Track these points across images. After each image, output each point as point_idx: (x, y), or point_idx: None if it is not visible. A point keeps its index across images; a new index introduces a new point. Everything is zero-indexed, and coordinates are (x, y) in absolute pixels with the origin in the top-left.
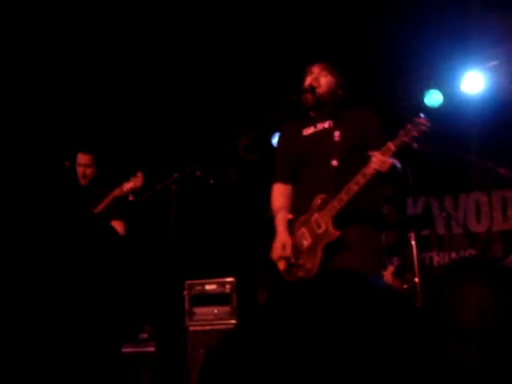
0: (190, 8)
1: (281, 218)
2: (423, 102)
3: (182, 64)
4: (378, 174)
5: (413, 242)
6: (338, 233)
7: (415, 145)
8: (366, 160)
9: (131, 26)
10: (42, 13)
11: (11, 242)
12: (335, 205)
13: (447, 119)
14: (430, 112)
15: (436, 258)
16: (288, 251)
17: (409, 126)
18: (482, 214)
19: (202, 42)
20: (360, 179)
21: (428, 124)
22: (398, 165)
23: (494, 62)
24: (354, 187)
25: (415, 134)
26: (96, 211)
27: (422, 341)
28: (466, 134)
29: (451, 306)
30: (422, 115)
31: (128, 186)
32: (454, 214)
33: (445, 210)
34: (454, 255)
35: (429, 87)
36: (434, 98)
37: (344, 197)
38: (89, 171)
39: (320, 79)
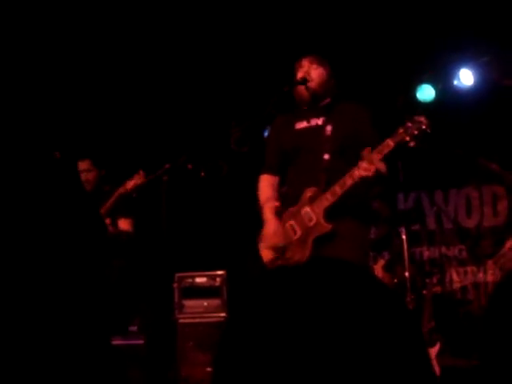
0: (185, 4)
1: (269, 207)
2: (416, 97)
3: (173, 57)
4: (364, 179)
5: (403, 237)
6: (330, 225)
7: (412, 143)
8: (358, 154)
9: (122, 24)
10: (38, 13)
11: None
12: (328, 198)
13: (439, 114)
14: (423, 107)
15: (426, 253)
16: (281, 239)
17: (409, 124)
18: (472, 209)
19: (194, 35)
20: (356, 173)
21: (428, 123)
22: (384, 169)
23: (486, 58)
24: (349, 181)
25: (415, 132)
26: (103, 210)
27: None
28: (458, 130)
29: None
30: (421, 113)
31: (131, 183)
32: (445, 208)
33: (435, 204)
34: (444, 250)
35: (421, 82)
36: (426, 92)
37: (338, 190)
38: (90, 176)
39: (311, 73)
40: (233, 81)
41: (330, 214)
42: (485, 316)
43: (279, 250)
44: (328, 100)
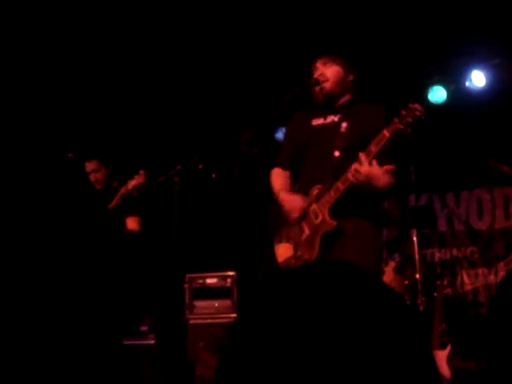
0: (192, 3)
1: (286, 193)
2: (427, 99)
3: (184, 58)
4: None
5: (414, 239)
6: (335, 222)
7: (409, 130)
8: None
9: (129, 23)
10: (43, 14)
11: (10, 238)
12: (332, 194)
13: (451, 116)
14: (434, 108)
15: (437, 255)
16: (299, 205)
17: (403, 112)
18: (484, 211)
19: (205, 37)
20: (348, 176)
21: (422, 110)
22: (388, 179)
23: (498, 59)
24: (350, 177)
25: (409, 119)
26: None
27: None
28: (469, 131)
29: None
30: (415, 101)
31: (132, 183)
32: (456, 210)
33: (447, 206)
34: (455, 252)
35: (433, 83)
36: (437, 94)
37: (340, 186)
38: (99, 175)
39: (325, 73)
40: (244, 83)
41: (335, 210)
42: (487, 315)
43: (295, 244)
44: (347, 97)
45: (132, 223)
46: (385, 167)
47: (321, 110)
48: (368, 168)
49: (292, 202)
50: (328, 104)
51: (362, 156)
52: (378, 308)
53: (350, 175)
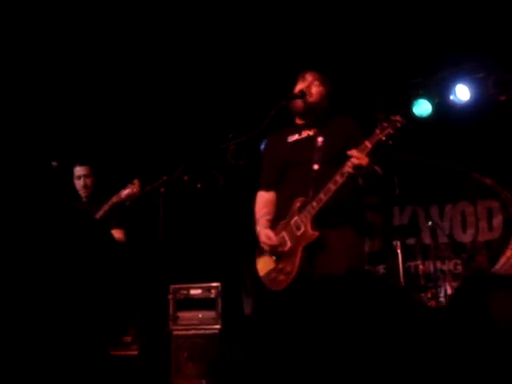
0: (180, 14)
1: (262, 222)
2: (412, 112)
3: (172, 70)
4: (357, 173)
5: (398, 251)
6: (316, 233)
7: (390, 142)
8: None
9: (125, 31)
10: (39, 17)
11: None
12: (314, 205)
13: (435, 129)
14: (419, 121)
15: (421, 267)
16: (274, 240)
17: (385, 124)
18: (467, 223)
19: (192, 49)
20: (338, 178)
21: (403, 121)
22: (378, 168)
23: (482, 73)
24: (332, 187)
25: (390, 131)
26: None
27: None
28: (454, 144)
29: (504, 317)
30: (397, 113)
31: (125, 192)
32: (440, 223)
33: (431, 219)
34: (439, 264)
35: (418, 97)
36: (422, 107)
37: (323, 197)
38: (89, 181)
39: (311, 88)
40: (230, 94)
41: (319, 222)
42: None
43: (276, 248)
44: (322, 115)
45: (117, 234)
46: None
47: (295, 127)
48: (366, 156)
49: (266, 235)
50: (305, 117)
51: (354, 153)
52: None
53: (347, 168)
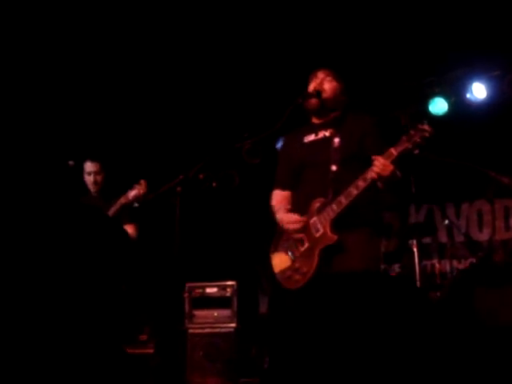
0: (197, 14)
1: (283, 210)
2: (428, 110)
3: (187, 68)
4: (379, 179)
5: (415, 250)
6: (335, 237)
7: (417, 151)
8: (366, 166)
9: (137, 33)
10: (47, 17)
11: (13, 243)
12: (334, 208)
13: (452, 127)
14: (435, 120)
15: (437, 266)
16: (301, 223)
17: (412, 132)
18: (484, 222)
19: (208, 48)
20: (360, 183)
21: (431, 131)
22: (398, 172)
23: (499, 71)
24: (353, 191)
25: (417, 140)
26: None
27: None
28: (470, 143)
29: (489, 309)
30: (425, 122)
31: (132, 193)
32: (457, 222)
33: (447, 218)
34: (455, 263)
35: (434, 95)
36: (438, 105)
37: (343, 201)
38: (99, 178)
39: (324, 84)
40: (246, 93)
41: (337, 225)
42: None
43: (294, 255)
44: (337, 113)
45: (129, 230)
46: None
47: (311, 127)
48: (390, 164)
49: (289, 217)
50: (319, 116)
51: (380, 160)
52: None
53: (372, 173)
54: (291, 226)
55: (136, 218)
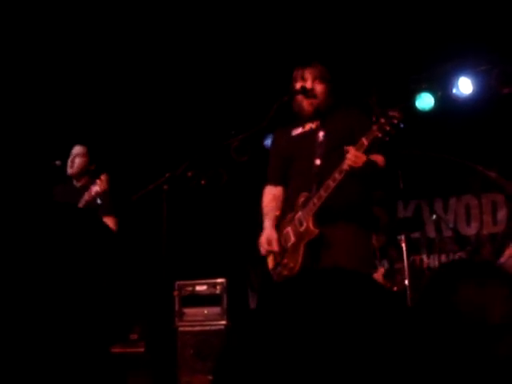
0: (185, 12)
1: (269, 217)
2: (415, 105)
3: (175, 65)
4: (352, 170)
5: (403, 245)
6: (317, 230)
7: (387, 138)
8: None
9: (128, 30)
10: (40, 12)
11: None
12: (315, 202)
13: (438, 122)
14: (422, 115)
15: (426, 261)
16: (274, 246)
17: (382, 120)
18: (472, 217)
19: (195, 45)
20: (336, 175)
21: (401, 117)
22: (380, 162)
23: (485, 66)
24: (331, 184)
25: (387, 128)
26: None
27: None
28: (457, 137)
29: (475, 307)
30: (396, 107)
31: (94, 189)
32: (445, 217)
33: (435, 212)
34: (443, 258)
35: (420, 90)
36: (425, 101)
37: (323, 193)
38: (78, 161)
39: (315, 88)
40: (233, 90)
41: (320, 218)
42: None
43: (277, 257)
44: (325, 108)
45: (108, 223)
46: (374, 156)
47: (299, 120)
48: (363, 154)
49: (264, 236)
50: (309, 114)
51: (351, 150)
52: (375, 309)
53: (345, 165)
54: (263, 249)
55: (115, 210)
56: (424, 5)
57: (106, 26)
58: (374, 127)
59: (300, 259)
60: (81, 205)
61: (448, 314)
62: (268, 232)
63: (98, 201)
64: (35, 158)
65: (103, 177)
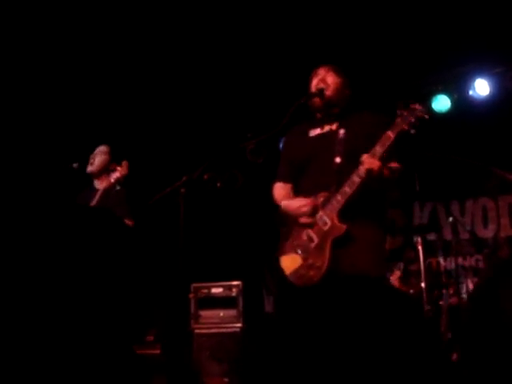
0: (200, 13)
1: (287, 200)
2: (431, 107)
3: (191, 69)
4: (370, 175)
5: (419, 247)
6: (344, 226)
7: (413, 131)
8: None
9: (143, 34)
10: (55, 15)
11: (14, 244)
12: (339, 199)
13: (454, 124)
14: (438, 117)
15: (442, 263)
16: (309, 201)
17: (405, 113)
18: (489, 219)
19: (212, 48)
20: (360, 170)
21: (424, 109)
22: (396, 167)
23: (501, 68)
24: (356, 179)
25: (412, 119)
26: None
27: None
28: (473, 139)
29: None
30: (414, 101)
31: (114, 175)
32: (461, 219)
33: (452, 215)
34: (460, 260)
35: (437, 92)
36: (441, 103)
37: (348, 190)
38: (99, 160)
39: (327, 79)
40: (249, 93)
41: (344, 215)
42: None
43: (304, 253)
44: (343, 106)
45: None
46: (392, 164)
47: (317, 121)
48: (379, 162)
49: (296, 201)
50: (325, 112)
51: (366, 156)
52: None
53: (361, 171)
54: (301, 210)
55: (132, 214)
56: (441, 7)
57: (129, 35)
58: (398, 119)
59: (327, 257)
60: (99, 194)
61: (496, 319)
62: (294, 202)
63: (118, 187)
64: (53, 161)
65: (124, 163)
